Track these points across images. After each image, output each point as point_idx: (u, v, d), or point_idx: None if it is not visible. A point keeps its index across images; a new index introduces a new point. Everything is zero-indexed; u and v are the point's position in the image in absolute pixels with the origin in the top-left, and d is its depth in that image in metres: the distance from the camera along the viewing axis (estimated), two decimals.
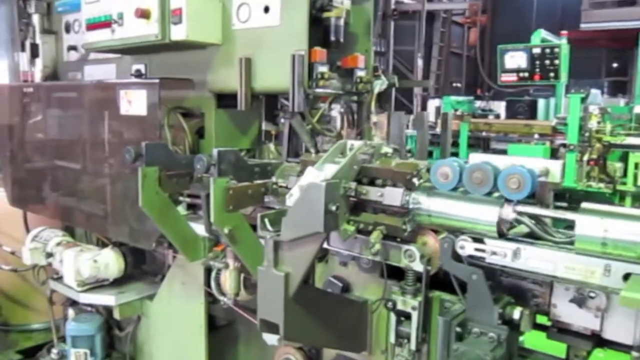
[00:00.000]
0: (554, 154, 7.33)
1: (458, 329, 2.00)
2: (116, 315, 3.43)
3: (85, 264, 3.33)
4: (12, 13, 4.38)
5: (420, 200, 2.03)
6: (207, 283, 3.06)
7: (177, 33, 2.79)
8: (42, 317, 5.22)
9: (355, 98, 2.98)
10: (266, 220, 1.89)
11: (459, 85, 22.11)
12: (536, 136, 7.77)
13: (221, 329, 3.53)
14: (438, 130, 8.00)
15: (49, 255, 3.59)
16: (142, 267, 3.67)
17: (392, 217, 2.06)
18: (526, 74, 7.22)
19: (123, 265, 3.44)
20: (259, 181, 2.38)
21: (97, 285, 3.46)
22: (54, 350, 3.64)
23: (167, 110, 3.05)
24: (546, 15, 17.89)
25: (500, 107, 9.79)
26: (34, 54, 4.09)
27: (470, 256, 1.96)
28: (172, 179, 2.67)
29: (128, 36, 2.97)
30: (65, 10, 3.99)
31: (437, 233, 2.14)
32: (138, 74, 3.39)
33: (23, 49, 4.24)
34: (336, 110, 3.21)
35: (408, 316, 2.17)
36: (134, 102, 2.92)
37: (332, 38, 2.79)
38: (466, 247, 1.95)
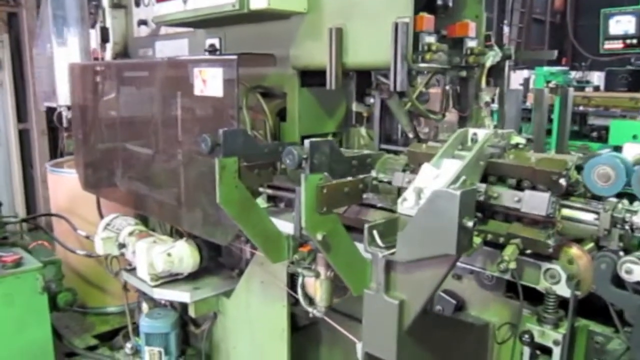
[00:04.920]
0: None
1: None
2: (191, 313, 3.18)
3: (158, 257, 3.07)
4: None
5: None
6: (290, 284, 2.74)
7: (257, 1, 2.42)
8: (119, 300, 5.15)
9: (464, 73, 2.52)
10: (375, 232, 1.50)
11: None
12: None
13: (303, 330, 3.22)
14: (528, 104, 7.29)
15: (122, 245, 3.37)
16: (219, 260, 3.39)
17: (531, 228, 1.63)
18: (634, 41, 6.39)
19: (198, 259, 3.17)
20: (356, 177, 1.99)
21: (172, 279, 3.22)
22: (128, 345, 3.45)
23: (245, 90, 2.71)
24: None
25: (596, 77, 8.89)
26: (104, 38, 3.85)
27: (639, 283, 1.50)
28: (252, 170, 2.33)
29: (201, 6, 2.63)
30: None
31: (581, 242, 1.69)
32: (212, 50, 3.06)
33: (93, 26, 4.03)
34: (437, 88, 2.78)
35: (544, 349, 1.74)
36: (209, 82, 2.59)
37: (439, 2, 2.35)
38: (635, 272, 1.49)
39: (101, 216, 4.11)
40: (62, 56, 4.16)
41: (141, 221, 3.74)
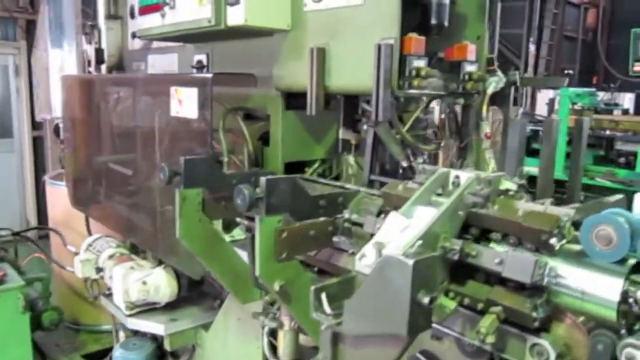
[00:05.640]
0: None
1: None
2: (166, 345, 2.97)
3: (133, 285, 2.88)
4: None
5: (561, 273, 1.32)
6: None
7: (234, 17, 2.21)
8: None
9: (461, 101, 2.27)
10: (323, 296, 1.26)
11: (571, 72, 20.13)
12: None
13: None
14: None
15: (99, 270, 3.19)
16: (200, 288, 3.18)
17: (515, 294, 1.36)
18: None
19: (176, 288, 2.96)
20: (324, 218, 1.75)
21: (148, 308, 3.02)
22: None
23: (224, 112, 2.51)
24: None
25: (627, 100, 8.48)
26: (99, 59, 3.69)
27: None
28: (219, 203, 2.11)
29: (180, 21, 2.44)
30: None
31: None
32: (199, 66, 2.87)
33: (88, 37, 3.88)
34: (435, 114, 2.53)
35: None
36: (185, 102, 2.39)
37: (433, 21, 2.11)
38: (638, 358, 1.22)
39: (89, 233, 3.95)
40: (56, 67, 4.04)
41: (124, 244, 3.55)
